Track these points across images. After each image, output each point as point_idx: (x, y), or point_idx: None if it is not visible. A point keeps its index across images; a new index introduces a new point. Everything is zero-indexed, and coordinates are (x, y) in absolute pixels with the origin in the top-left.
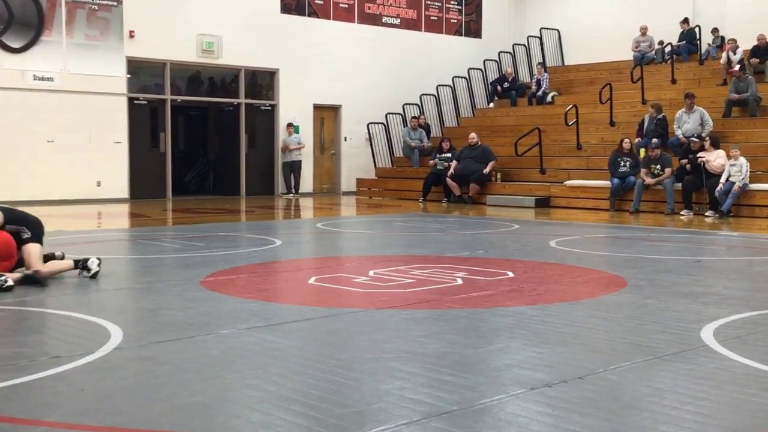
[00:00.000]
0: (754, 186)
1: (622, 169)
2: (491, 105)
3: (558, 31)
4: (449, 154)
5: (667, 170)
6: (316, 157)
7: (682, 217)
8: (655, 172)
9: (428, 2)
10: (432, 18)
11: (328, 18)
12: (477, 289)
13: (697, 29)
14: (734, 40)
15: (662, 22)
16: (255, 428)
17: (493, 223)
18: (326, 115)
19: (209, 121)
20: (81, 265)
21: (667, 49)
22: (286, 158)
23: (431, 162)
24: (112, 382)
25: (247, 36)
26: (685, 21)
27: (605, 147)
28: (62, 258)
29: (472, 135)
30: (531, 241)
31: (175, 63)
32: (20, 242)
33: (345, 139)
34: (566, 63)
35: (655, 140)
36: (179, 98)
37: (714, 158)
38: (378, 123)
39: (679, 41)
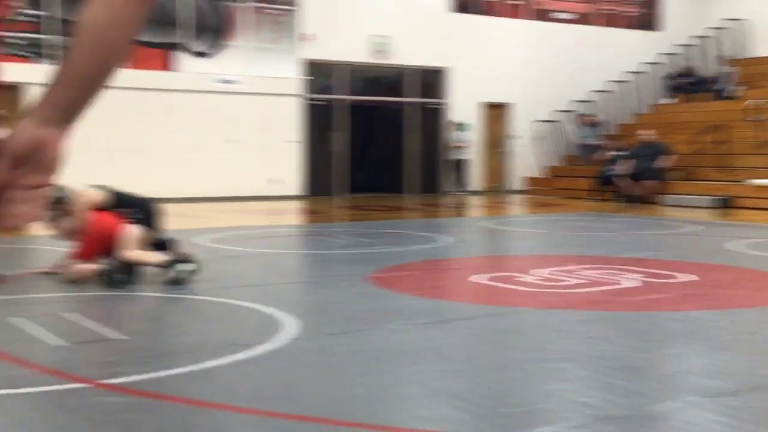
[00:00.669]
0: None
1: None
2: (669, 101)
3: (745, 21)
4: (622, 152)
5: None
6: (484, 156)
7: None
8: None
9: None
10: (605, 11)
11: (497, 15)
12: (650, 291)
13: None
14: None
15: None
16: (421, 422)
17: (669, 224)
18: (494, 113)
19: (379, 121)
20: (172, 263)
21: None
22: (451, 156)
23: (603, 160)
24: (286, 371)
25: (416, 35)
26: None
27: None
28: (183, 257)
29: (647, 132)
30: (709, 242)
31: (348, 64)
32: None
33: (513, 137)
34: (754, 55)
35: None
36: (350, 98)
37: None
38: (547, 120)
39: None
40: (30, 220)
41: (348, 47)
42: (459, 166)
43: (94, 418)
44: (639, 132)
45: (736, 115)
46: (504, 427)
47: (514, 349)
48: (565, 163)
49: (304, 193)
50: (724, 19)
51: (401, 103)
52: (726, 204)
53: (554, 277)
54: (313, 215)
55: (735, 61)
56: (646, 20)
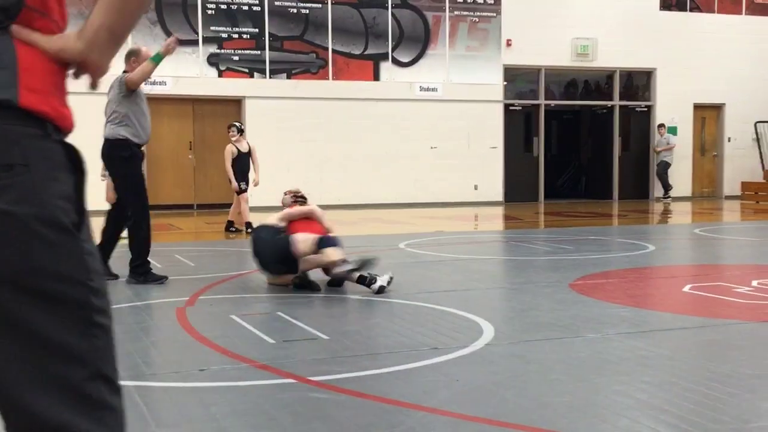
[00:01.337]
0: None
1: None
2: None
3: None
4: None
5: None
6: (696, 160)
7: None
8: None
9: None
10: None
11: (712, 11)
12: None
13: None
14: None
15: None
16: None
17: None
18: (707, 114)
19: (582, 125)
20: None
21: None
22: (657, 160)
23: None
24: (484, 375)
25: (623, 36)
26: None
27: None
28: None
29: None
30: None
31: (550, 68)
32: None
33: (729, 140)
34: None
35: None
36: (553, 103)
37: None
38: (767, 122)
39: None
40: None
41: (551, 51)
42: (659, 169)
43: (300, 413)
44: None
45: None
46: None
47: (727, 362)
48: None
49: (505, 199)
50: None
51: (606, 106)
52: None
53: None
54: (515, 221)
55: None
56: None
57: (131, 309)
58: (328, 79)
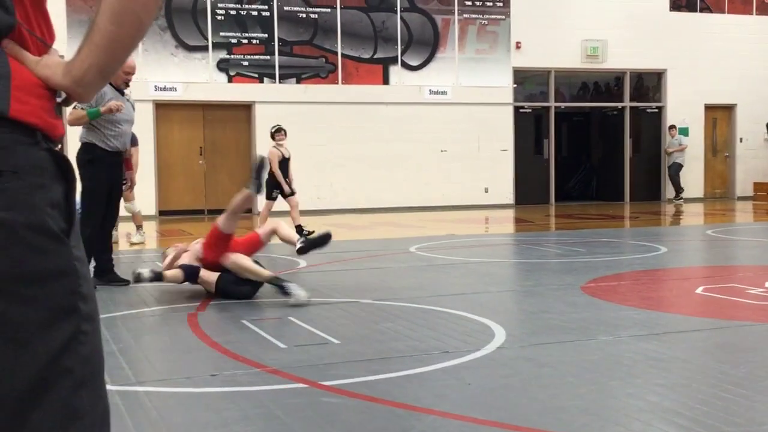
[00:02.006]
0: None
1: None
2: None
3: None
4: None
5: None
6: (708, 160)
7: None
8: None
9: None
10: None
11: (722, 11)
12: None
13: None
14: None
15: None
16: None
17: None
18: (719, 115)
19: (592, 127)
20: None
21: None
22: (668, 161)
23: None
24: (496, 379)
25: (633, 38)
26: None
27: None
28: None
29: None
30: None
31: (560, 70)
32: None
33: (740, 141)
34: None
35: None
36: (563, 105)
37: None
38: None
39: None
40: None
41: (561, 53)
42: (671, 170)
43: (312, 418)
44: None
45: None
46: None
47: (740, 364)
48: None
49: (516, 202)
50: None
51: (616, 108)
52: None
53: None
54: (526, 224)
55: None
56: None
57: (143, 314)
58: (337, 83)
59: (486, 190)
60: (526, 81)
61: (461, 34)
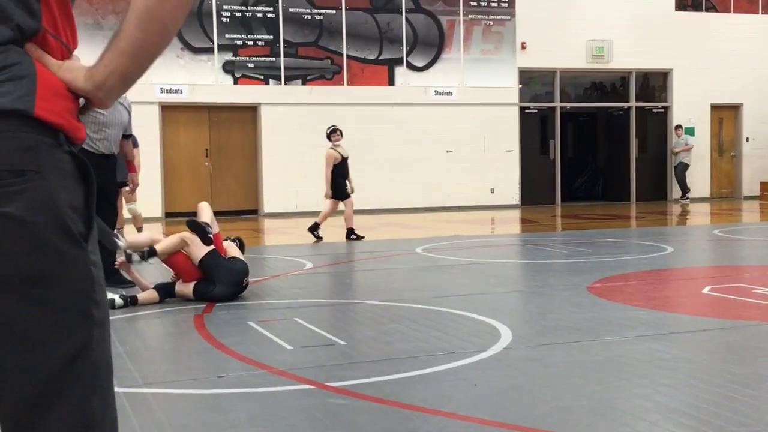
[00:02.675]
0: None
1: None
2: None
3: None
4: None
5: None
6: (714, 160)
7: None
8: None
9: None
10: None
11: (728, 11)
12: None
13: None
14: None
15: None
16: None
17: None
18: (725, 114)
19: (598, 127)
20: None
21: None
22: (675, 161)
23: None
24: (502, 380)
25: (638, 38)
26: None
27: None
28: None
29: None
30: None
31: (565, 70)
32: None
33: (747, 140)
34: None
35: None
36: (568, 105)
37: None
38: None
39: None
40: None
41: (566, 54)
42: (677, 170)
43: (319, 419)
44: None
45: None
46: None
47: (747, 364)
48: None
49: (522, 203)
50: None
51: (622, 108)
52: None
53: None
54: (532, 224)
55: None
56: None
57: (149, 316)
58: (342, 84)
59: (492, 191)
60: (532, 81)
61: (466, 34)
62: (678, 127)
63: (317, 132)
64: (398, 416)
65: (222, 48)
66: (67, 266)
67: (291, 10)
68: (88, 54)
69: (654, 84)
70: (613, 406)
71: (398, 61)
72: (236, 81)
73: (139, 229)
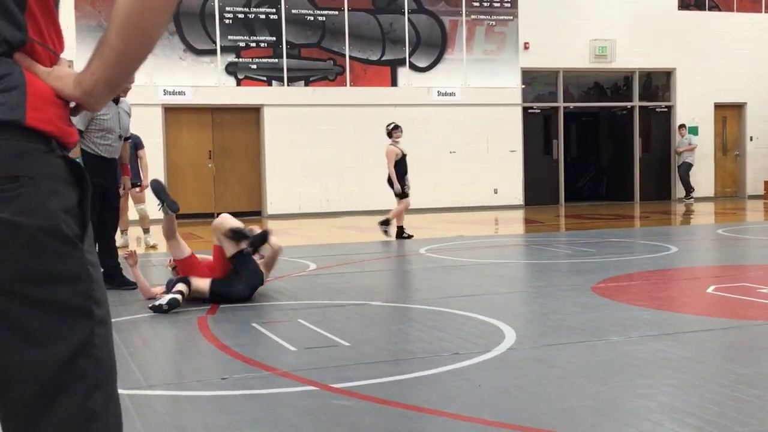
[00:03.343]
0: None
1: None
2: None
3: None
4: None
5: None
6: (718, 159)
7: None
8: None
9: None
10: None
11: (731, 10)
12: None
13: None
14: None
15: None
16: None
17: None
18: (729, 113)
19: (602, 127)
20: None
21: None
22: (678, 161)
23: None
24: (506, 380)
25: (641, 37)
26: None
27: None
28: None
29: None
30: None
31: (568, 70)
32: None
33: (751, 139)
34: None
35: None
36: (572, 105)
37: None
38: None
39: None
40: None
41: (569, 53)
42: (680, 170)
43: (323, 420)
44: None
45: None
46: None
47: (752, 364)
48: None
49: (525, 203)
50: None
51: (625, 107)
52: None
53: None
54: (536, 224)
55: None
56: None
57: (152, 318)
58: (345, 85)
59: (495, 191)
60: (535, 81)
61: (469, 35)
62: (681, 126)
63: (320, 133)
64: (402, 417)
65: (225, 50)
66: (64, 267)
67: (293, 11)
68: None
69: (657, 83)
70: (617, 406)
71: (401, 62)
72: (239, 82)
73: (146, 230)
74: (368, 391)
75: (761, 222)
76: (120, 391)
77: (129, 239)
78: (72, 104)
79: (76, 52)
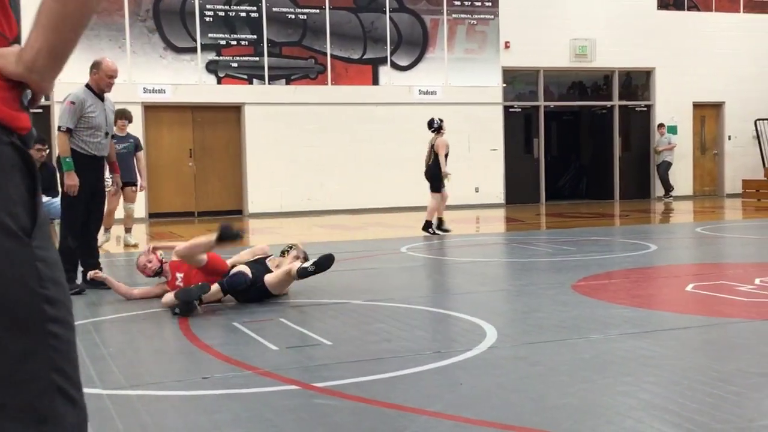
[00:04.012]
0: None
1: None
2: None
3: None
4: None
5: None
6: (696, 158)
7: None
8: None
9: None
10: None
11: (710, 10)
12: None
13: None
14: None
15: None
16: None
17: None
18: (707, 113)
19: (582, 126)
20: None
21: None
22: (658, 160)
23: None
24: (488, 378)
25: (621, 37)
26: None
27: None
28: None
29: None
30: None
31: (549, 69)
32: None
33: (729, 138)
34: None
35: None
36: (552, 104)
37: None
38: (767, 119)
39: None
40: None
41: (550, 52)
42: (659, 169)
43: (304, 419)
44: None
45: None
46: None
47: (731, 361)
48: None
49: (506, 201)
50: None
51: (605, 107)
52: None
53: None
54: (517, 223)
55: None
56: None
57: (133, 318)
58: (327, 84)
59: (476, 190)
60: (516, 80)
61: (450, 34)
62: (661, 125)
63: (301, 131)
64: (384, 416)
65: (205, 48)
66: (6, 263)
67: (274, 9)
68: (87, 58)
69: (637, 83)
70: (598, 404)
71: (382, 61)
72: (220, 81)
73: (128, 230)
74: (350, 390)
75: (739, 220)
76: (100, 391)
77: (110, 236)
78: (27, 97)
79: None
